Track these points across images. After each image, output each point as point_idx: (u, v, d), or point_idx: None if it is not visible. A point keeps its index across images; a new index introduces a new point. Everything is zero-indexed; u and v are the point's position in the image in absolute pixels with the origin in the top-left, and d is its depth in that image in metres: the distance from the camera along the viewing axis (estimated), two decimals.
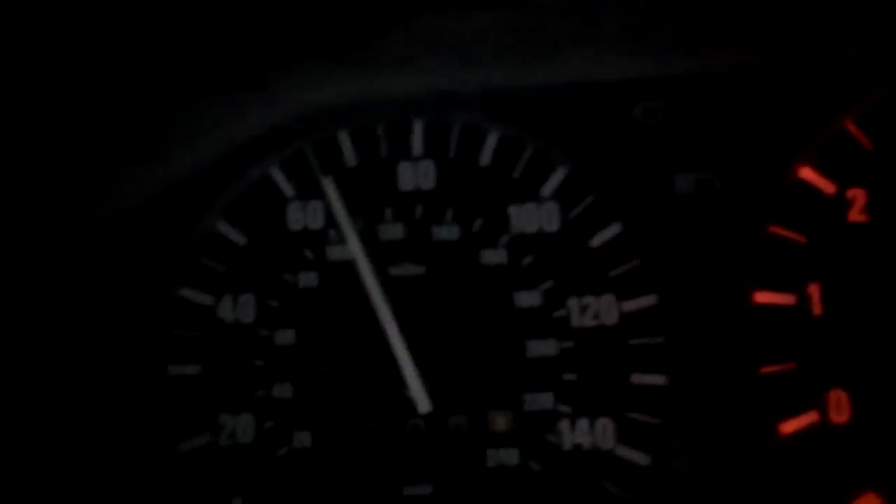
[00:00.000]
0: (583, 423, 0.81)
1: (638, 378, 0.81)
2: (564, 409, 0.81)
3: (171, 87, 0.85)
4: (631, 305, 0.82)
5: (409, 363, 0.81)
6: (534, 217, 0.85)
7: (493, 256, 0.84)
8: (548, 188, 0.85)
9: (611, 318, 0.82)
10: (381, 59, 0.86)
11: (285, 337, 0.84)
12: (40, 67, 0.81)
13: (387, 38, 0.84)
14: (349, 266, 0.84)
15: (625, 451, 0.81)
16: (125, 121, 0.86)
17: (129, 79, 0.84)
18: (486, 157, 0.86)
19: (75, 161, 0.86)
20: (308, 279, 0.85)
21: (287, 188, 0.86)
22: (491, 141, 0.86)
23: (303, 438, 0.82)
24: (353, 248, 0.83)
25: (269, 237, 0.86)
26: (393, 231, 0.85)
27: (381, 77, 0.86)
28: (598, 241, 0.84)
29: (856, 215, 0.81)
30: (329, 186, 0.85)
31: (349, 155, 0.86)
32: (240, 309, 0.85)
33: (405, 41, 0.85)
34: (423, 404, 0.80)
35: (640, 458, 0.80)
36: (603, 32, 0.85)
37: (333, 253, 0.85)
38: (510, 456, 0.81)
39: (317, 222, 0.86)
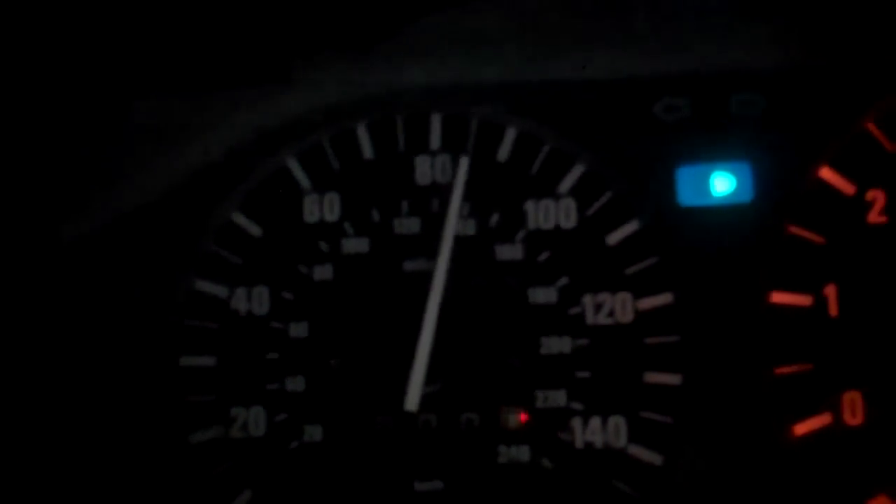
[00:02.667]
0: (595, 422, 0.82)
1: (652, 377, 0.82)
2: (577, 406, 0.83)
3: (194, 76, 0.87)
4: (647, 303, 0.83)
5: (421, 359, 0.82)
6: (551, 213, 0.86)
7: (509, 252, 0.85)
8: (565, 185, 0.86)
9: (626, 315, 0.83)
10: (403, 50, 0.87)
11: (299, 330, 0.86)
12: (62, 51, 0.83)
13: (410, 30, 0.86)
14: (365, 259, 0.86)
15: (637, 450, 0.82)
16: (144, 109, 0.88)
17: (151, 66, 0.86)
18: (504, 152, 0.87)
19: (93, 150, 0.88)
20: (323, 272, 0.87)
21: (304, 180, 0.88)
22: (509, 136, 0.87)
23: (314, 432, 0.84)
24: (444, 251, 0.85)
25: (285, 229, 0.88)
26: (409, 225, 0.87)
27: (402, 70, 0.88)
28: (614, 238, 0.85)
29: (875, 217, 0.82)
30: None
31: (366, 148, 0.88)
32: (254, 301, 0.87)
33: (428, 33, 0.87)
34: (412, 402, 0.82)
35: (652, 457, 0.82)
36: (626, 28, 0.87)
37: (349, 246, 0.87)
38: (521, 453, 0.83)
39: (333, 215, 0.87)
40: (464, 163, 0.86)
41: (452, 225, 0.85)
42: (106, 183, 0.88)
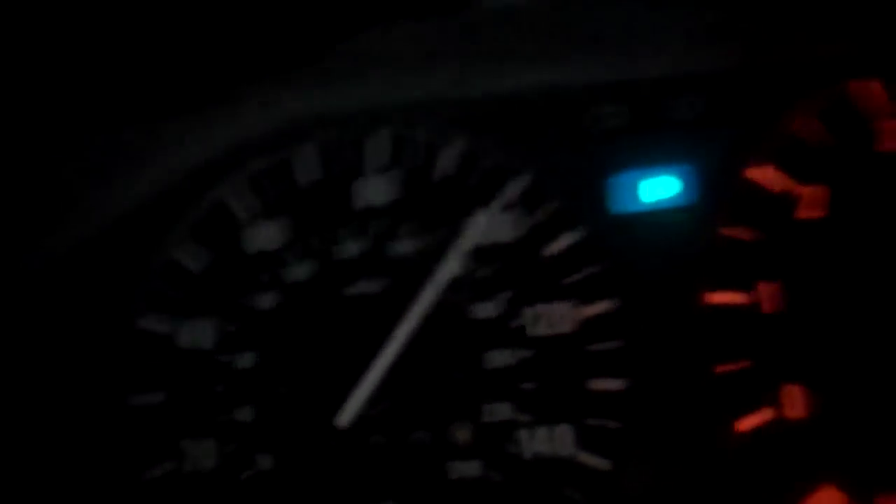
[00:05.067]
0: (542, 431, 0.84)
1: (596, 383, 0.84)
2: (524, 418, 0.85)
3: (134, 106, 0.90)
4: (587, 312, 0.85)
5: (370, 378, 0.85)
6: (490, 228, 0.88)
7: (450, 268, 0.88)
8: (502, 199, 0.89)
9: (565, 325, 0.85)
10: (336, 71, 0.90)
11: (245, 360, 0.88)
12: None
13: (342, 51, 0.89)
14: (307, 285, 0.88)
15: (585, 457, 0.84)
16: (83, 143, 0.90)
17: (92, 97, 0.88)
18: (440, 170, 0.89)
19: (31, 186, 0.91)
20: (266, 300, 0.89)
21: (240, 210, 0.91)
22: (447, 152, 0.89)
23: (265, 461, 0.86)
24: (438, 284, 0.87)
25: (227, 260, 0.90)
26: (348, 249, 0.89)
27: (335, 91, 0.91)
28: (552, 250, 0.87)
29: (806, 212, 0.84)
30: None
31: (302, 174, 0.90)
32: (199, 335, 0.89)
33: (357, 55, 0.89)
34: (344, 418, 0.84)
35: (600, 463, 0.84)
36: (562, 38, 0.89)
37: (291, 273, 0.89)
38: (471, 468, 0.85)
39: (273, 243, 0.90)
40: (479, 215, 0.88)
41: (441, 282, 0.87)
42: (47, 221, 0.90)
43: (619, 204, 0.87)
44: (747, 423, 0.83)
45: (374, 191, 0.90)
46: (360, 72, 0.90)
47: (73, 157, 0.91)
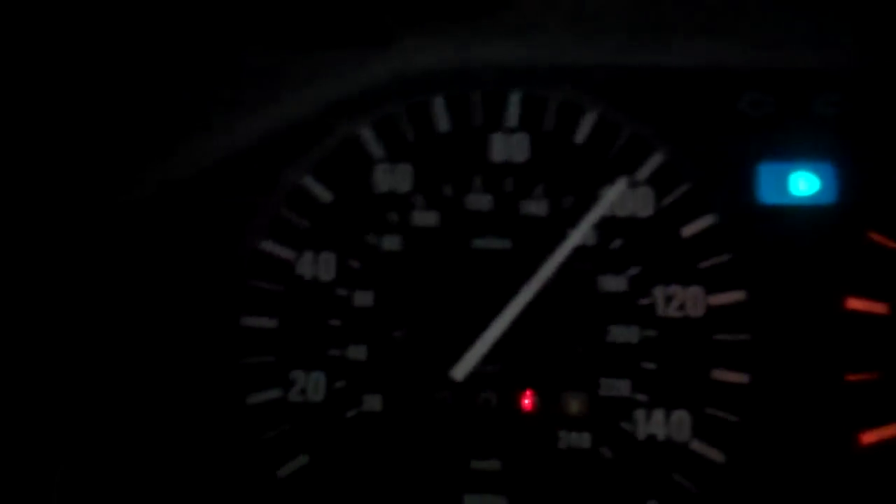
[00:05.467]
0: (659, 414, 0.84)
1: (719, 374, 0.84)
2: (641, 397, 0.84)
3: (293, 34, 0.89)
4: (718, 299, 0.85)
5: (488, 335, 0.84)
6: (627, 201, 0.88)
7: (581, 237, 0.87)
8: (643, 172, 0.88)
9: (697, 310, 0.85)
10: (504, 24, 0.89)
11: (364, 298, 0.88)
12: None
13: (511, 7, 0.88)
14: (434, 233, 0.88)
15: (699, 446, 0.83)
16: (232, 67, 0.90)
17: (259, 19, 0.88)
18: (581, 135, 0.89)
19: (173, 108, 0.90)
20: (391, 243, 0.88)
21: (376, 149, 0.90)
22: (588, 119, 0.89)
23: (373, 402, 0.86)
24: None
25: (355, 197, 0.89)
26: (480, 202, 0.89)
27: (492, 44, 0.90)
28: (689, 231, 0.86)
29: None
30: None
31: (442, 121, 0.90)
32: (320, 266, 0.89)
33: (526, 12, 0.88)
34: (460, 372, 0.83)
35: (714, 454, 0.83)
36: (719, 19, 0.88)
37: (419, 218, 0.89)
38: (582, 439, 0.84)
39: (404, 186, 0.89)
40: (620, 184, 0.87)
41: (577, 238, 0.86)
42: (190, 135, 0.90)
43: (769, 194, 0.86)
44: (872, 435, 0.82)
45: (514, 147, 0.89)
46: (533, 27, 0.89)
47: (221, 79, 0.90)
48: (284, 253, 0.89)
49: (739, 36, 0.89)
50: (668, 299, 0.85)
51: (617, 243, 0.87)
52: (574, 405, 0.85)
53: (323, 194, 0.90)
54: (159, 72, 0.90)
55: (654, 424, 0.84)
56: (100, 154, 0.90)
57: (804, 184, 0.86)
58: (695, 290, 0.85)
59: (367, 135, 0.90)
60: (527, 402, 0.85)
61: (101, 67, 0.89)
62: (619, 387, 0.85)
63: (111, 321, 0.88)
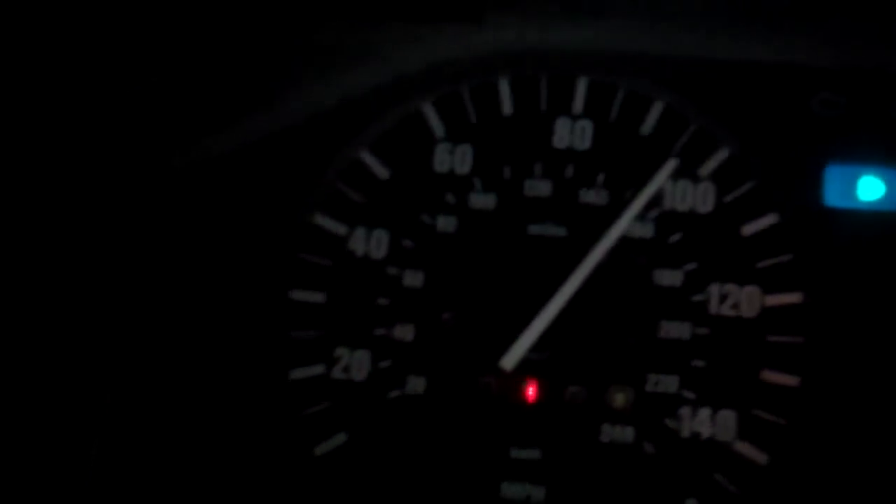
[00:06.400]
0: (704, 412, 0.83)
1: (769, 375, 0.83)
2: (688, 395, 0.83)
3: (386, 6, 0.89)
4: (774, 300, 0.84)
5: (538, 323, 0.84)
6: (688, 195, 0.87)
7: (639, 229, 0.86)
8: (707, 167, 0.87)
9: (752, 310, 0.84)
10: (580, 7, 0.89)
11: (414, 279, 0.87)
12: None
13: None
14: (490, 216, 0.87)
15: (743, 447, 0.82)
16: (299, 40, 0.91)
17: None
18: (647, 126, 0.88)
19: (237, 77, 0.91)
20: (446, 224, 0.88)
21: (438, 128, 0.90)
22: (655, 109, 0.88)
23: (417, 384, 0.86)
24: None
25: (413, 175, 0.89)
26: (539, 188, 0.88)
27: (563, 28, 0.90)
28: (750, 229, 0.85)
29: None
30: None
31: (507, 103, 0.90)
32: (372, 243, 0.88)
33: None
34: (509, 361, 0.83)
35: (758, 456, 0.82)
36: (796, 15, 0.87)
37: (476, 201, 0.88)
38: (625, 434, 0.83)
39: (464, 167, 0.89)
40: (670, 164, 0.87)
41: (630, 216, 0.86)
42: (250, 106, 0.91)
43: (834, 196, 0.85)
44: None
45: (577, 134, 0.89)
46: (604, 15, 0.89)
47: (287, 51, 0.90)
48: (337, 228, 0.89)
49: (816, 34, 0.87)
50: (723, 297, 0.84)
51: (675, 238, 0.86)
52: (620, 399, 0.84)
53: (380, 170, 0.90)
54: (227, 40, 0.90)
55: (699, 422, 0.83)
56: (161, 120, 0.90)
57: (870, 189, 0.84)
58: (751, 290, 0.84)
59: (429, 112, 0.90)
60: (530, 391, 0.83)
61: (168, 34, 0.90)
62: (667, 383, 0.84)
63: (159, 288, 0.89)
